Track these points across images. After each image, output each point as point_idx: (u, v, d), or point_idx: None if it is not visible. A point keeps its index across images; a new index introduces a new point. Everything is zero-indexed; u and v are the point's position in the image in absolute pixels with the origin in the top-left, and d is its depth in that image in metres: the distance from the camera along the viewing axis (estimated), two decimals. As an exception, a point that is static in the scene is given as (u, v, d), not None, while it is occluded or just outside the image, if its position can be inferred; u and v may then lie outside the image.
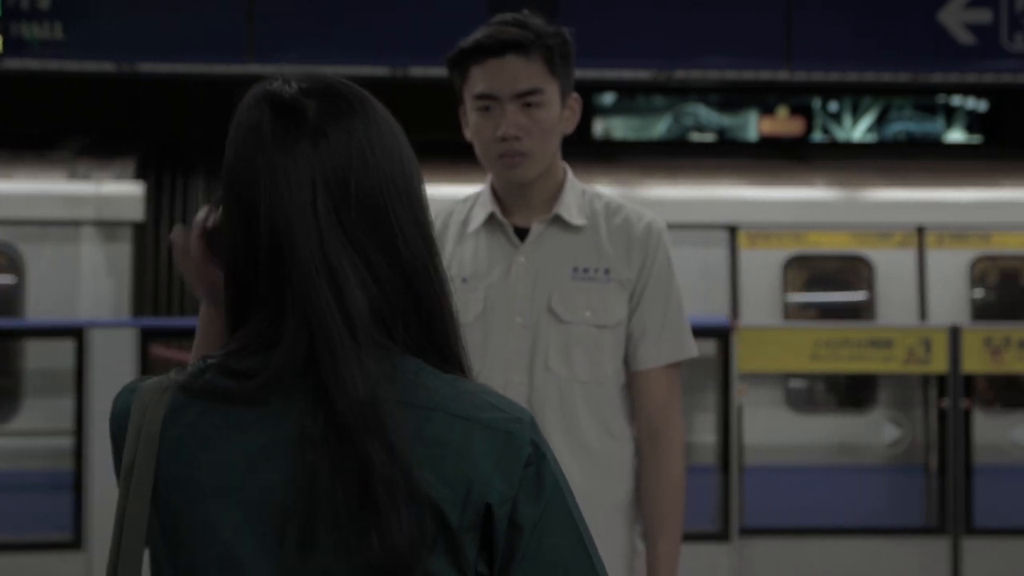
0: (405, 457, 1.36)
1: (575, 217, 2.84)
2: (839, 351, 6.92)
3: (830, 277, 8.20)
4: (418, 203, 1.48)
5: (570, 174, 2.90)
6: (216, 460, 1.41)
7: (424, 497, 1.37)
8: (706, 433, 6.90)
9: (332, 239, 1.42)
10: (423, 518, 1.36)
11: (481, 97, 2.78)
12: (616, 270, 2.82)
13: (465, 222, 2.89)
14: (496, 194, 2.88)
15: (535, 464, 1.42)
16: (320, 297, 1.40)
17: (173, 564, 1.43)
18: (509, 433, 1.42)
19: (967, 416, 7.05)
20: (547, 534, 1.41)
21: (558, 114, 2.81)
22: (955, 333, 6.99)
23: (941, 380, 7.13)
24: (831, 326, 7.42)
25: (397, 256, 1.45)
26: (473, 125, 2.82)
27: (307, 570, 1.38)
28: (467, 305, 2.78)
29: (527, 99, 2.77)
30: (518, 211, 2.86)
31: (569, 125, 2.87)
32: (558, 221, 2.84)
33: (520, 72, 2.76)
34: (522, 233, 2.85)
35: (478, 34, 2.80)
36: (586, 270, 2.82)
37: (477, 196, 2.92)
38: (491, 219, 2.86)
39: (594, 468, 2.79)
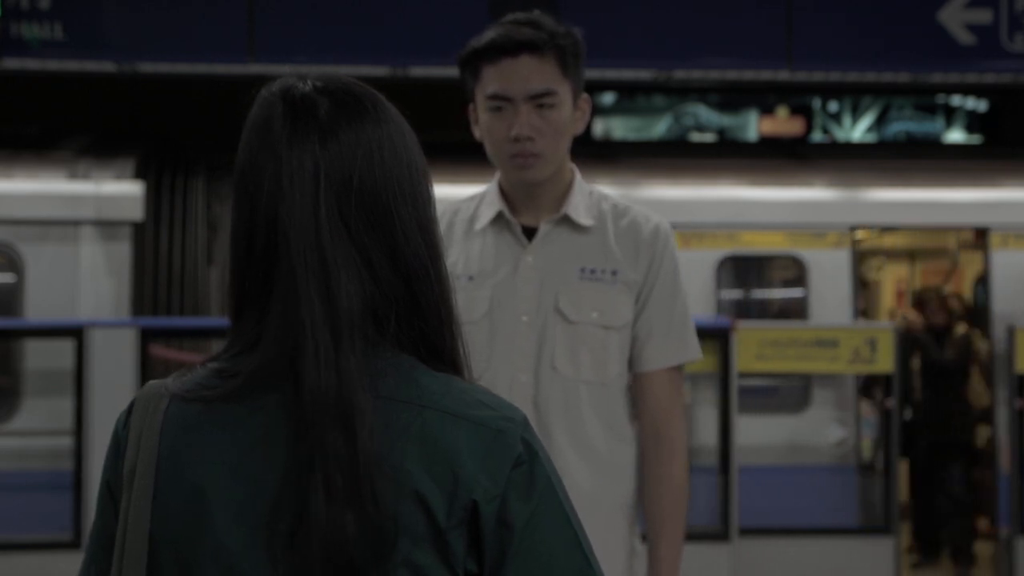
0: (370, 457, 1.37)
1: (583, 217, 2.83)
2: (785, 351, 6.84)
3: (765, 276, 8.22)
4: (423, 207, 1.49)
5: (578, 175, 2.88)
6: (208, 459, 1.43)
7: (410, 492, 1.38)
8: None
9: (332, 234, 1.42)
10: (397, 514, 1.37)
11: (494, 97, 2.76)
12: (623, 271, 2.80)
13: (471, 220, 2.88)
14: (504, 193, 2.87)
15: (527, 463, 1.42)
16: (304, 291, 1.41)
17: (171, 563, 1.44)
18: (499, 431, 1.42)
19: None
20: (540, 533, 1.41)
21: (570, 115, 2.80)
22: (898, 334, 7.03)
23: (887, 380, 7.12)
24: (777, 326, 7.35)
25: (398, 256, 1.45)
26: (484, 125, 2.80)
27: (298, 562, 1.39)
28: (473, 303, 2.77)
29: (540, 100, 2.74)
30: (526, 210, 2.85)
31: (579, 126, 2.86)
32: (566, 221, 2.83)
33: (534, 73, 2.74)
34: (529, 232, 2.83)
35: (491, 33, 2.77)
36: (593, 271, 2.80)
37: (483, 194, 2.90)
38: (499, 218, 2.84)
39: (598, 468, 2.78)
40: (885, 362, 6.93)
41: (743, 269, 8.08)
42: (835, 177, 8.25)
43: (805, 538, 6.92)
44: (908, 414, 8.31)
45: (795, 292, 7.99)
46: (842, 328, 7.18)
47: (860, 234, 9.00)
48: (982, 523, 8.89)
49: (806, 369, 7.07)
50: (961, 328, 8.77)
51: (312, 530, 1.36)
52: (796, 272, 7.90)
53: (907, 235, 10.64)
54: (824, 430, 7.52)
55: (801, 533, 6.93)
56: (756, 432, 7.12)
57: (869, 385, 8.01)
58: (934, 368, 8.43)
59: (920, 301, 9.07)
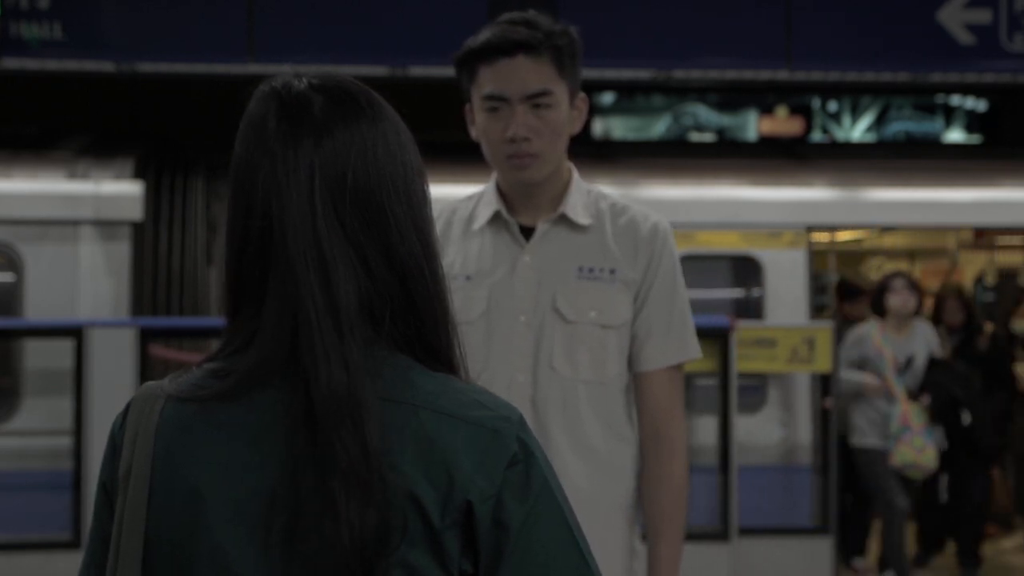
0: (378, 453, 1.37)
1: (581, 216, 2.82)
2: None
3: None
4: (418, 206, 1.49)
5: (576, 174, 2.87)
6: (203, 459, 1.43)
7: (405, 493, 1.37)
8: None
9: (328, 232, 1.42)
10: (395, 514, 1.37)
11: (490, 98, 2.75)
12: (622, 270, 2.80)
13: (469, 220, 2.87)
14: (501, 192, 2.86)
15: (522, 463, 1.42)
16: (306, 287, 1.41)
17: (166, 564, 1.44)
18: (495, 431, 1.42)
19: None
20: (536, 533, 1.41)
21: (566, 115, 2.79)
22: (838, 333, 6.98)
23: (825, 379, 7.08)
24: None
25: (392, 255, 1.45)
26: (481, 125, 2.79)
27: (294, 560, 1.39)
28: (471, 303, 2.76)
29: (536, 100, 2.73)
30: (524, 210, 2.84)
31: (576, 125, 2.85)
32: (564, 220, 2.82)
33: (530, 73, 2.73)
34: (527, 232, 2.83)
35: (487, 33, 2.76)
36: (591, 270, 2.80)
37: (481, 194, 2.90)
38: (496, 217, 2.84)
39: (596, 468, 2.77)
40: (823, 361, 6.89)
41: (698, 268, 8.05)
42: (835, 177, 8.24)
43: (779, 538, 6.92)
44: (968, 415, 8.13)
45: (753, 292, 7.97)
46: (780, 327, 7.12)
47: (860, 233, 8.98)
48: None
49: (744, 368, 7.00)
50: (990, 327, 8.71)
51: (338, 528, 1.35)
52: (753, 272, 7.88)
53: (906, 235, 10.63)
54: (774, 431, 7.51)
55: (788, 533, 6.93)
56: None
57: (922, 388, 7.74)
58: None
59: (939, 299, 8.99)
